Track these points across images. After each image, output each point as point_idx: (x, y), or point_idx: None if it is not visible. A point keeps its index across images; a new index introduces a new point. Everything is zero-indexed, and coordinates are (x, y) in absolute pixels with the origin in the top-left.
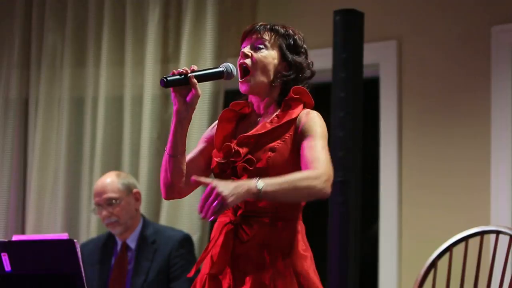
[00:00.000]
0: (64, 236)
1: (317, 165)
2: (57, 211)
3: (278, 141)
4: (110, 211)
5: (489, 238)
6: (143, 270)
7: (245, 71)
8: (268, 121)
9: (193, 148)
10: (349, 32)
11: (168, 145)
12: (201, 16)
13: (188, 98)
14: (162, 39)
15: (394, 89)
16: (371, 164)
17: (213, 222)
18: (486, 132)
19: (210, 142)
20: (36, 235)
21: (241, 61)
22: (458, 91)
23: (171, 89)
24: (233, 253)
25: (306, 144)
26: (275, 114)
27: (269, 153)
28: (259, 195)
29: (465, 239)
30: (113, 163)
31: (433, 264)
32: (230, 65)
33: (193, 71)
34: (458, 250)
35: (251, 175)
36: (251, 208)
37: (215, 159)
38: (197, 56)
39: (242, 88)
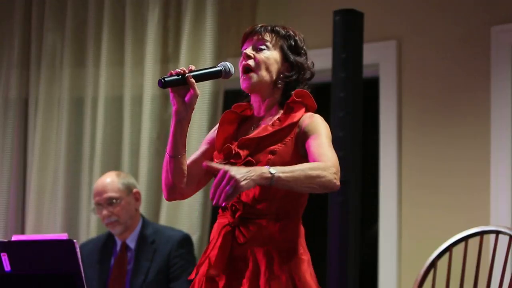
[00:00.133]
0: (64, 236)
1: (325, 159)
2: (56, 211)
3: (279, 144)
4: (110, 211)
5: (488, 238)
6: (143, 270)
7: (248, 72)
8: (269, 123)
9: (193, 148)
10: (349, 32)
11: (169, 146)
12: (201, 16)
13: (186, 98)
14: (162, 39)
15: (394, 89)
16: (371, 164)
17: (213, 222)
18: (486, 132)
19: (212, 144)
20: (36, 235)
21: (243, 62)
22: (458, 91)
23: (169, 89)
24: (231, 255)
25: (312, 142)
26: (277, 116)
27: (270, 155)
28: (272, 180)
29: (465, 239)
30: (112, 163)
31: (433, 264)
32: (228, 64)
33: (190, 71)
34: (458, 250)
35: None
36: (250, 210)
37: (216, 160)
38: (197, 56)
39: (244, 84)
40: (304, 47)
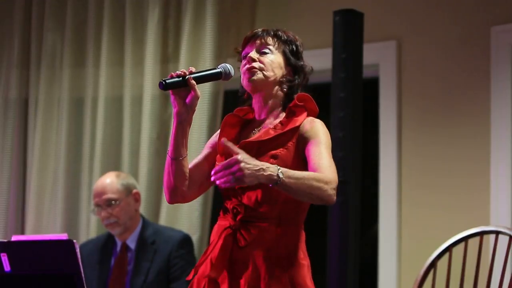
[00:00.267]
0: (64, 236)
1: (327, 172)
2: (56, 211)
3: (281, 148)
4: (109, 212)
5: (488, 238)
6: (143, 271)
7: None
8: (271, 127)
9: (193, 149)
10: (348, 32)
11: (170, 148)
12: (201, 16)
13: (187, 100)
14: (162, 40)
15: (393, 89)
16: (371, 164)
17: (213, 222)
18: (486, 132)
19: (214, 148)
20: (36, 235)
21: (247, 66)
22: (458, 91)
23: (170, 91)
24: (231, 257)
25: (312, 149)
26: (278, 120)
27: (271, 160)
28: (276, 183)
29: (465, 239)
30: (112, 163)
31: (433, 264)
32: (228, 65)
33: (191, 72)
34: (458, 250)
35: None
36: (252, 213)
37: (218, 163)
38: (197, 56)
39: (246, 81)
40: (302, 51)
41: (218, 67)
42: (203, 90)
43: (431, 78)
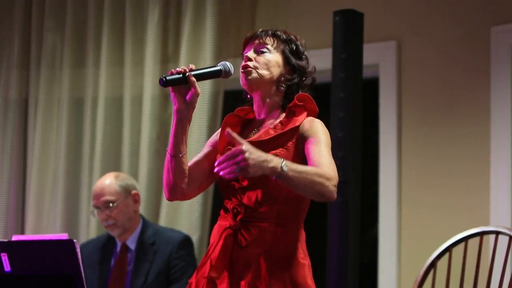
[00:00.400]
0: (64, 236)
1: (328, 169)
2: (56, 211)
3: (281, 148)
4: (108, 214)
5: (488, 239)
6: (143, 272)
7: (248, 71)
8: (271, 127)
9: (193, 148)
10: (348, 32)
11: (170, 145)
12: (201, 16)
13: (187, 97)
14: (162, 40)
15: (393, 89)
16: (371, 164)
17: (213, 223)
18: (486, 132)
19: (215, 146)
20: (36, 235)
21: (242, 65)
22: (458, 91)
23: (170, 88)
24: (231, 258)
25: (312, 148)
26: (278, 120)
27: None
28: (280, 176)
29: (465, 239)
30: (112, 164)
31: (433, 265)
32: (228, 63)
33: (191, 70)
34: (458, 251)
35: (251, 181)
36: (252, 213)
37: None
38: (197, 56)
39: (243, 80)
40: (305, 53)
41: (218, 64)
42: (203, 90)
43: (431, 78)
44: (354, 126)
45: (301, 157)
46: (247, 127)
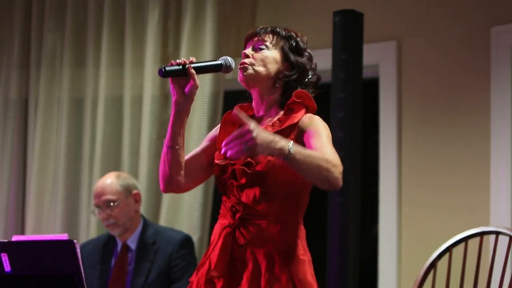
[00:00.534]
0: (64, 236)
1: (333, 157)
2: (56, 211)
3: None
4: (109, 213)
5: (488, 239)
6: (144, 271)
7: (245, 68)
8: (269, 124)
9: (192, 149)
10: (348, 32)
11: (167, 137)
12: (201, 16)
13: (186, 89)
14: (162, 40)
15: (393, 89)
16: (371, 164)
17: (213, 223)
18: (486, 132)
19: (213, 141)
20: (36, 235)
21: (241, 61)
22: (458, 91)
23: (170, 79)
24: (231, 256)
25: (313, 141)
26: (277, 117)
27: (269, 156)
28: (287, 157)
29: (465, 239)
30: (112, 164)
31: (433, 265)
32: (229, 58)
33: (191, 62)
34: (458, 251)
35: (249, 178)
36: (250, 211)
37: (216, 161)
38: (197, 56)
39: (239, 76)
40: (307, 50)
41: (220, 59)
42: (204, 91)
43: (431, 78)
44: (354, 126)
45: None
46: None
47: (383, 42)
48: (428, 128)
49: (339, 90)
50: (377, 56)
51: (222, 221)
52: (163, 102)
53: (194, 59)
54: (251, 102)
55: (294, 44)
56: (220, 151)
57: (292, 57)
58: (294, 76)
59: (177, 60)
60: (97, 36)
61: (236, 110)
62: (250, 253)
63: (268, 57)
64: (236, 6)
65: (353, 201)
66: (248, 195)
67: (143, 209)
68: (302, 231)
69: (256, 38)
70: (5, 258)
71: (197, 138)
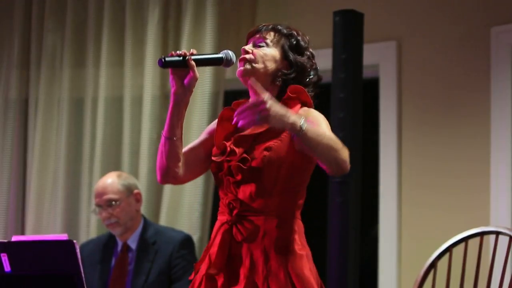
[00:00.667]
0: (64, 236)
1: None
2: (56, 211)
3: (275, 140)
4: (110, 212)
5: (488, 239)
6: (144, 271)
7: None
8: None
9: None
10: (348, 32)
11: (165, 128)
12: (201, 16)
13: (186, 81)
14: (162, 40)
15: (394, 89)
16: (371, 164)
17: (213, 222)
18: (486, 132)
19: (212, 134)
20: (36, 235)
21: (241, 56)
22: (458, 91)
23: (169, 70)
24: (229, 252)
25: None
26: None
27: (265, 152)
28: (299, 132)
29: (465, 239)
30: (112, 164)
31: (433, 265)
32: (230, 52)
33: (192, 54)
34: (458, 251)
35: (245, 174)
36: (246, 208)
37: (213, 157)
38: None
39: (238, 72)
40: (309, 49)
41: (221, 53)
42: (204, 90)
43: (431, 78)
44: (354, 126)
45: (296, 148)
46: None
47: (383, 42)
48: (428, 128)
49: (339, 90)
50: (377, 56)
51: (221, 218)
52: (163, 102)
53: (194, 51)
54: (248, 98)
55: (294, 42)
56: (217, 147)
57: (291, 55)
58: (293, 75)
59: (178, 51)
60: (97, 36)
61: (252, 80)
62: (247, 249)
63: (267, 55)
64: (236, 6)
65: (353, 201)
66: (244, 192)
67: (143, 209)
68: (300, 226)
69: (257, 35)
70: (5, 258)
71: (197, 137)
